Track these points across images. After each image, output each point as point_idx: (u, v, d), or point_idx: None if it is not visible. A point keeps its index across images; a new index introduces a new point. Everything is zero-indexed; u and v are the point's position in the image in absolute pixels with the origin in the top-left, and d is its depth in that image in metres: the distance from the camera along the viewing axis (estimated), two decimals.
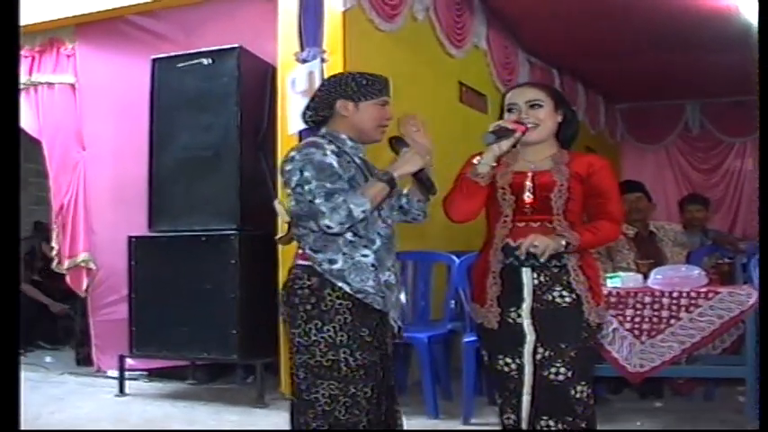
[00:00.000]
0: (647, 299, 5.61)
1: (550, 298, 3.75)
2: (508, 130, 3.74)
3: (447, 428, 5.95)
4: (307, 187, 3.63)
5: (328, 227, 3.59)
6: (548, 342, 3.73)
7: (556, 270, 3.75)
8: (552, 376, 3.70)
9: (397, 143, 3.81)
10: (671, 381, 6.41)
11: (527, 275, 3.78)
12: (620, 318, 5.60)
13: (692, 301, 5.54)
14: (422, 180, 3.79)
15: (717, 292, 5.55)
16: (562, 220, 3.76)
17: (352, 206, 3.57)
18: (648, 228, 6.96)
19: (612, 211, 3.84)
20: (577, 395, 3.69)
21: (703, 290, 5.60)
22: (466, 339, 5.93)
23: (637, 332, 5.58)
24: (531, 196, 3.78)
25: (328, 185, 3.62)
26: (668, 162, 14.75)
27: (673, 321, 5.55)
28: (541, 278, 3.76)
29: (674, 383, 6.47)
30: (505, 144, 3.74)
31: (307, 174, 3.65)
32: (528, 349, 3.77)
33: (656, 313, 5.58)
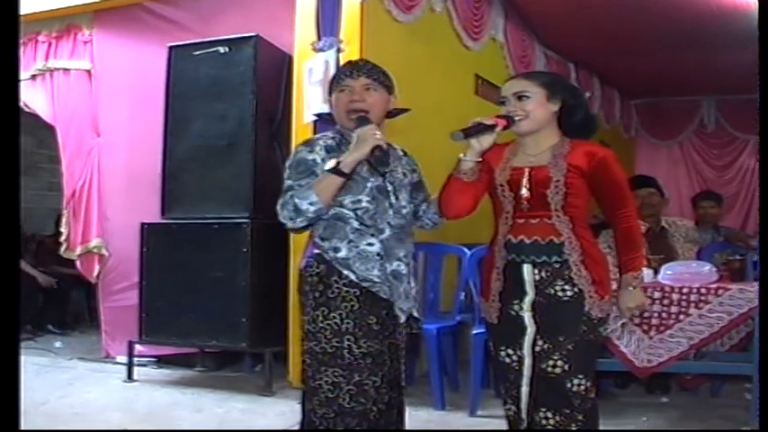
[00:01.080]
0: (657, 294, 5.61)
1: (552, 292, 3.75)
2: (487, 126, 3.74)
3: (453, 419, 5.97)
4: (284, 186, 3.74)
5: (282, 224, 3.70)
6: (546, 335, 3.75)
7: (557, 266, 3.75)
8: (550, 369, 3.72)
9: (358, 123, 3.76)
10: (678, 376, 6.42)
11: (528, 271, 3.79)
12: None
13: (702, 298, 5.53)
14: (374, 159, 3.65)
15: (726, 289, 5.54)
16: (561, 215, 3.75)
17: (297, 201, 3.62)
18: (660, 223, 6.96)
19: (626, 206, 3.85)
20: (574, 388, 3.70)
21: (713, 286, 5.58)
22: (474, 331, 5.95)
23: (645, 327, 5.58)
24: (528, 193, 3.78)
25: (289, 182, 3.71)
26: (682, 158, 14.69)
27: (682, 317, 5.54)
28: (543, 274, 3.77)
29: (682, 379, 6.48)
30: (486, 140, 3.74)
31: (288, 172, 3.77)
32: (528, 341, 3.80)
33: (665, 309, 5.58)
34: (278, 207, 3.68)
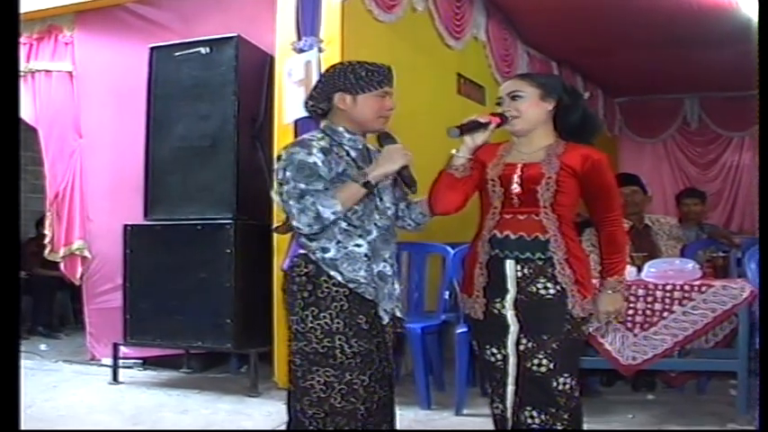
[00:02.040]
0: (641, 292, 5.63)
1: (534, 290, 3.76)
2: (481, 124, 3.77)
3: (439, 418, 5.96)
4: (285, 187, 3.67)
5: (298, 228, 3.65)
6: (530, 333, 3.75)
7: (540, 262, 3.75)
8: (535, 368, 3.72)
9: (384, 140, 3.81)
10: (663, 373, 6.42)
11: (510, 267, 3.80)
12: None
13: (686, 295, 5.55)
14: (403, 177, 3.77)
15: (710, 286, 5.56)
16: (549, 212, 3.76)
17: (320, 208, 3.60)
18: (644, 221, 6.97)
19: (614, 211, 3.88)
20: (560, 387, 3.70)
21: (697, 283, 5.60)
22: (459, 330, 5.94)
23: (630, 325, 5.59)
24: (519, 188, 3.79)
25: (302, 186, 3.64)
26: (666, 156, 14.73)
27: (666, 314, 5.56)
28: (525, 270, 3.77)
29: (667, 376, 6.48)
30: (479, 137, 3.78)
31: (287, 174, 3.68)
32: (511, 340, 3.80)
33: (649, 306, 5.59)
34: (293, 211, 3.63)
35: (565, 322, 3.73)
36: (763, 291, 4.70)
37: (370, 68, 3.84)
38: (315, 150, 3.71)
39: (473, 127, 3.77)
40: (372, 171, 3.69)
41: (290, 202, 3.64)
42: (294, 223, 3.65)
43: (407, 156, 3.73)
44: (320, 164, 3.69)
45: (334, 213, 3.62)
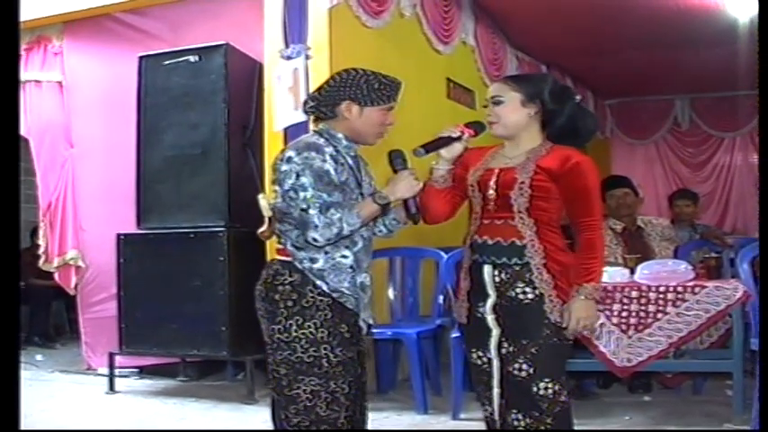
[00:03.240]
0: (634, 293, 5.62)
1: (513, 294, 3.74)
2: (452, 139, 3.77)
3: (436, 423, 5.97)
4: (302, 194, 3.58)
5: (315, 240, 3.58)
6: (510, 337, 3.75)
7: (518, 268, 3.73)
8: (516, 372, 3.71)
9: (395, 159, 3.76)
10: (659, 375, 6.44)
11: (488, 272, 3.78)
12: (608, 312, 5.60)
13: (679, 296, 5.55)
14: (409, 207, 3.76)
15: (703, 287, 5.55)
16: (525, 217, 3.72)
17: (345, 225, 3.57)
18: (636, 223, 6.98)
19: (592, 215, 3.79)
20: (541, 392, 3.67)
21: (690, 284, 5.60)
22: (453, 335, 5.94)
23: (624, 327, 5.58)
24: (494, 193, 3.77)
25: (325, 197, 3.57)
26: (658, 157, 14.77)
27: (660, 316, 5.55)
28: (503, 275, 3.75)
29: (663, 377, 6.50)
30: (455, 149, 3.79)
31: (304, 180, 3.58)
32: (494, 343, 3.79)
33: (642, 308, 5.59)
34: (316, 221, 3.55)
35: (544, 327, 3.70)
36: (762, 290, 4.72)
37: (384, 82, 3.79)
38: (327, 157, 3.66)
39: (441, 144, 3.76)
40: (390, 194, 3.68)
41: (312, 212, 3.55)
42: (311, 234, 3.57)
43: (420, 185, 3.73)
44: (333, 172, 3.65)
45: (351, 231, 3.62)
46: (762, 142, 4.36)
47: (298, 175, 3.59)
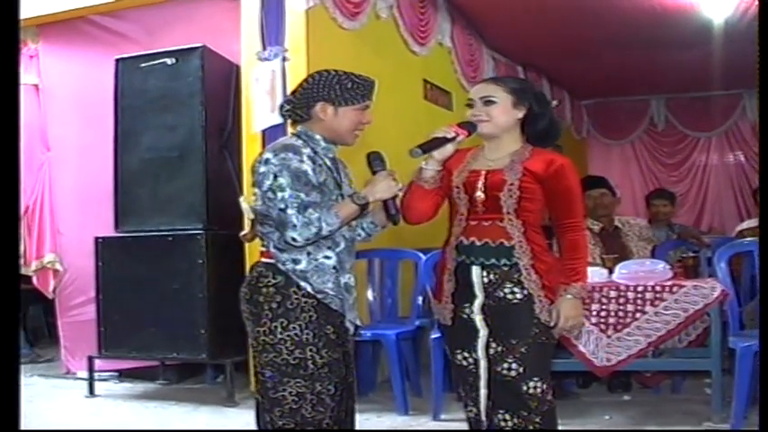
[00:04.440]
0: (613, 293, 5.64)
1: (502, 294, 3.75)
2: (446, 140, 3.76)
3: (417, 424, 5.97)
4: (280, 194, 3.58)
5: (294, 239, 3.57)
6: (499, 338, 3.76)
7: (506, 268, 3.75)
8: (504, 372, 3.72)
9: (374, 161, 3.77)
10: (639, 374, 6.46)
11: (477, 273, 3.79)
12: (586, 312, 5.61)
13: (657, 295, 5.58)
14: (388, 207, 3.76)
15: (681, 286, 5.58)
16: (513, 219, 3.75)
17: (324, 225, 3.57)
18: (614, 223, 7.01)
19: (575, 216, 3.85)
20: (530, 391, 3.70)
21: (668, 283, 5.63)
22: (433, 336, 5.94)
23: (603, 326, 5.60)
24: (483, 195, 3.79)
25: (303, 197, 3.57)
26: (634, 157, 14.85)
27: (638, 315, 5.58)
28: (491, 276, 3.77)
29: (642, 377, 6.52)
30: (447, 150, 3.77)
31: (282, 180, 3.58)
32: (481, 344, 3.80)
33: (621, 307, 5.61)
34: (294, 221, 3.55)
35: (533, 326, 3.73)
36: (762, 290, 4.74)
37: (357, 81, 3.79)
38: (305, 158, 3.66)
39: (437, 144, 3.75)
40: (370, 194, 3.68)
41: (290, 212, 3.55)
42: (290, 234, 3.56)
43: (399, 187, 3.73)
44: (311, 173, 3.64)
45: (330, 231, 3.61)
46: (762, 141, 4.39)
47: (275, 176, 3.60)
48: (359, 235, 3.99)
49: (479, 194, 3.80)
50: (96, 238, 7.15)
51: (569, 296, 3.75)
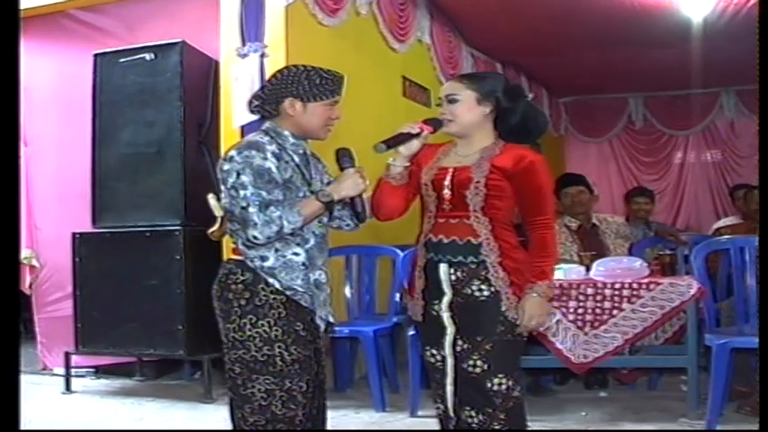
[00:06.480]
0: (590, 290, 5.67)
1: (469, 292, 3.77)
2: (411, 135, 3.77)
3: (394, 420, 5.98)
4: (242, 192, 3.58)
5: (255, 238, 3.56)
6: (465, 335, 3.78)
7: (473, 266, 3.76)
8: (470, 368, 3.74)
9: (342, 158, 3.75)
10: (615, 371, 6.48)
11: (444, 271, 3.81)
12: (564, 309, 5.64)
13: (634, 292, 5.61)
14: (355, 205, 3.76)
15: (658, 284, 5.62)
16: (481, 216, 3.76)
17: (285, 223, 3.55)
18: (591, 220, 7.03)
19: (545, 214, 3.85)
20: (495, 387, 3.71)
21: (645, 281, 5.67)
22: (410, 332, 5.95)
23: (580, 323, 5.63)
24: (450, 193, 3.81)
25: (264, 195, 3.56)
26: (612, 155, 14.88)
27: (615, 312, 5.61)
28: (459, 273, 3.78)
29: (619, 373, 6.53)
30: (413, 145, 3.79)
31: (244, 178, 3.58)
32: (448, 341, 3.83)
33: (598, 304, 5.64)
34: (255, 220, 3.54)
35: (499, 324, 3.74)
36: (762, 290, 4.77)
37: (325, 76, 3.78)
38: (268, 155, 3.64)
39: (400, 141, 3.77)
40: (335, 192, 3.67)
41: (251, 210, 3.54)
42: (251, 232, 3.56)
43: (366, 184, 3.71)
44: (275, 170, 3.63)
45: (292, 229, 3.60)
46: (762, 141, 4.39)
47: (238, 174, 3.59)
48: (347, 225, 3.99)
49: (446, 192, 3.82)
50: (74, 234, 7.13)
51: (534, 295, 3.75)
